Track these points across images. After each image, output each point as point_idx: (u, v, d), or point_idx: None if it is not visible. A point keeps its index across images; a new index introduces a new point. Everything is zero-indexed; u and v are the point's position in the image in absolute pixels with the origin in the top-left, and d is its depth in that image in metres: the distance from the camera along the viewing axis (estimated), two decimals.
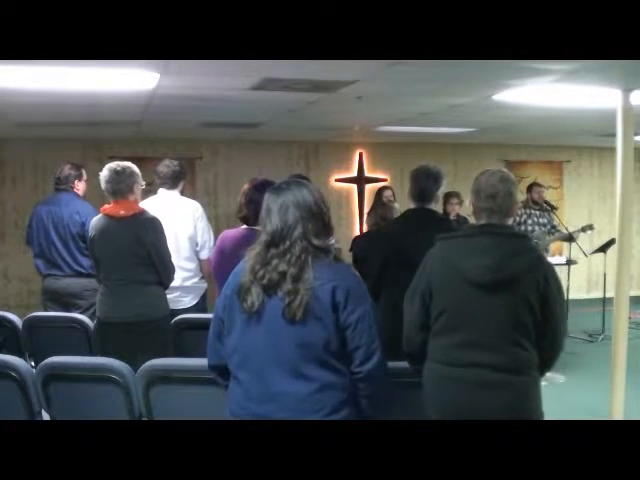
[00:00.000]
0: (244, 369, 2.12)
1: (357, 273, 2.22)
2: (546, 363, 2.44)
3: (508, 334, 2.34)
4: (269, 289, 2.07)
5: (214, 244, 4.37)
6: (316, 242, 2.09)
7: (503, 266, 2.34)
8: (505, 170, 2.54)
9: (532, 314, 2.35)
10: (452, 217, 6.36)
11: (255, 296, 2.07)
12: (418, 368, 2.52)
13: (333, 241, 2.19)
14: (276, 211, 2.11)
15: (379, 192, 6.11)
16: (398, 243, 3.55)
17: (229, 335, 2.16)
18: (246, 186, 3.61)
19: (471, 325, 2.37)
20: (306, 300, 2.01)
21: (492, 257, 2.35)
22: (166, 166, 4.38)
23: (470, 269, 2.37)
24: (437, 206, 3.69)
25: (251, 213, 3.37)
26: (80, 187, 4.70)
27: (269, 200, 2.15)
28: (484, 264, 2.35)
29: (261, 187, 3.38)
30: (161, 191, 4.40)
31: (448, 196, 6.37)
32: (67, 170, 4.66)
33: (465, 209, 6.71)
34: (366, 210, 7.38)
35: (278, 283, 2.05)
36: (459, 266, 2.39)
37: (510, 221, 2.51)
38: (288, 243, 2.08)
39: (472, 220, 6.16)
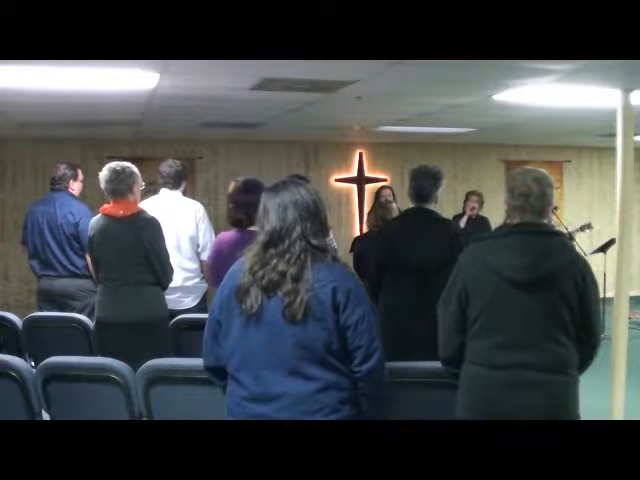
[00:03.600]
0: (243, 370, 2.11)
1: (355, 273, 2.21)
2: (585, 361, 2.43)
3: (548, 333, 2.32)
4: (269, 290, 2.05)
5: None
6: (315, 242, 2.08)
7: (540, 264, 2.32)
8: (542, 170, 2.50)
9: (571, 312, 2.33)
10: (472, 215, 6.51)
11: (254, 297, 2.05)
12: (455, 372, 2.48)
13: (331, 240, 2.19)
14: (274, 211, 2.09)
15: (378, 192, 6.11)
16: (395, 243, 3.54)
17: (226, 337, 2.14)
18: (231, 189, 3.55)
19: (510, 325, 2.34)
20: (306, 300, 2.00)
21: (528, 255, 2.33)
22: (169, 166, 4.38)
23: (507, 268, 2.34)
24: (436, 206, 3.67)
25: (242, 215, 3.32)
26: (75, 187, 4.69)
27: (266, 200, 2.14)
28: (521, 263, 2.32)
29: (244, 188, 3.36)
30: (163, 191, 4.40)
31: (468, 194, 6.71)
32: (62, 170, 4.65)
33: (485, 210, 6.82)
34: (366, 210, 7.40)
35: (278, 283, 2.04)
36: (496, 266, 2.36)
37: (545, 221, 2.47)
38: (287, 243, 2.06)
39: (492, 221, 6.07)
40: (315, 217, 2.11)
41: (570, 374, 2.38)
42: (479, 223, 6.47)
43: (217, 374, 2.25)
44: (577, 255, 2.45)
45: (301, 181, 2.27)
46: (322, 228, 2.14)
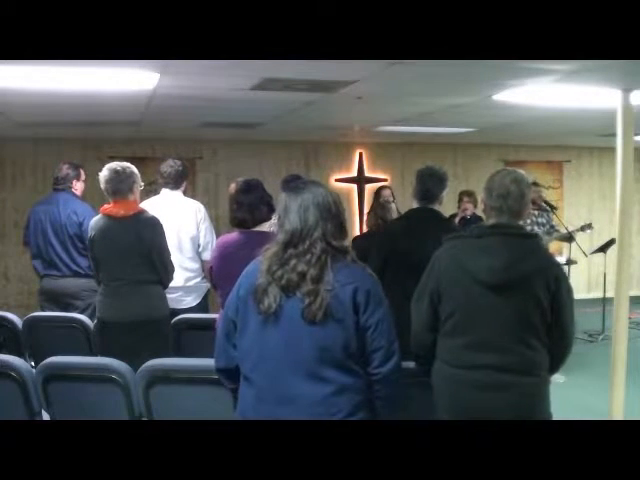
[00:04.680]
0: (258, 371, 2.08)
1: (374, 275, 2.18)
2: (555, 363, 2.44)
3: (518, 335, 2.33)
4: (287, 290, 2.04)
5: None
6: (335, 243, 2.07)
7: (513, 266, 2.32)
8: (520, 171, 2.50)
9: (542, 314, 2.33)
10: (467, 215, 6.47)
11: (272, 297, 2.03)
12: (426, 368, 2.50)
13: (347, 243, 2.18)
14: (295, 211, 2.08)
15: (377, 192, 6.11)
16: (399, 242, 3.56)
17: (242, 337, 2.12)
18: (232, 190, 3.55)
19: (480, 326, 2.35)
20: (326, 301, 1.99)
21: (502, 257, 2.33)
22: (169, 166, 4.38)
23: (480, 270, 2.35)
24: (441, 207, 3.69)
25: (246, 215, 3.32)
26: (78, 187, 4.70)
27: (288, 199, 2.12)
28: (494, 264, 2.33)
29: (247, 188, 3.36)
30: (164, 191, 4.40)
31: (461, 194, 6.61)
32: (65, 170, 4.66)
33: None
34: (366, 210, 7.39)
35: (297, 284, 2.03)
36: (468, 267, 2.37)
37: (520, 222, 2.48)
38: (308, 243, 2.05)
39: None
40: (335, 218, 2.11)
41: (539, 376, 2.38)
42: (475, 223, 6.44)
43: (228, 376, 2.23)
44: (550, 258, 2.46)
45: (321, 182, 2.26)
46: (342, 230, 2.13)
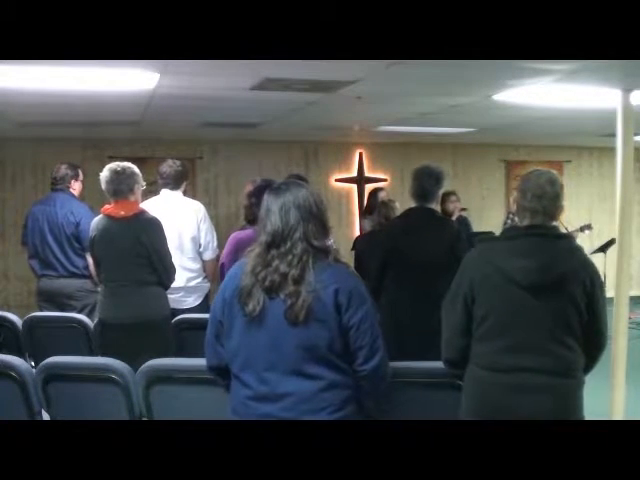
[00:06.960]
0: (247, 371, 2.11)
1: (357, 273, 2.22)
2: (591, 363, 2.43)
3: (555, 336, 2.32)
4: (271, 291, 2.06)
5: (217, 245, 4.38)
6: (316, 243, 2.09)
7: (549, 267, 2.31)
8: (554, 172, 2.48)
9: (578, 314, 2.32)
10: (455, 216, 6.42)
11: (256, 300, 2.06)
12: (458, 373, 2.47)
13: (331, 242, 2.20)
14: (277, 211, 2.10)
15: (374, 194, 6.12)
16: (399, 241, 3.57)
17: (229, 338, 2.15)
18: (249, 188, 3.58)
19: (517, 328, 2.33)
20: (308, 302, 2.01)
21: (538, 258, 2.32)
22: (169, 166, 4.38)
23: (516, 271, 2.32)
24: (437, 206, 3.71)
25: None
26: (76, 187, 4.70)
27: (269, 200, 2.15)
28: (530, 266, 2.31)
29: (266, 186, 3.38)
30: (164, 191, 4.40)
31: (446, 195, 6.43)
32: (63, 170, 4.66)
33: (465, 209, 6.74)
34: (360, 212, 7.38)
35: (280, 285, 2.05)
36: (504, 268, 2.35)
37: (554, 223, 2.47)
38: (289, 244, 2.07)
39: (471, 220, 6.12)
40: (317, 219, 2.13)
41: (577, 377, 2.37)
42: (461, 223, 6.40)
43: (220, 374, 2.26)
44: (585, 258, 2.43)
45: (303, 183, 2.28)
46: (324, 230, 2.15)
